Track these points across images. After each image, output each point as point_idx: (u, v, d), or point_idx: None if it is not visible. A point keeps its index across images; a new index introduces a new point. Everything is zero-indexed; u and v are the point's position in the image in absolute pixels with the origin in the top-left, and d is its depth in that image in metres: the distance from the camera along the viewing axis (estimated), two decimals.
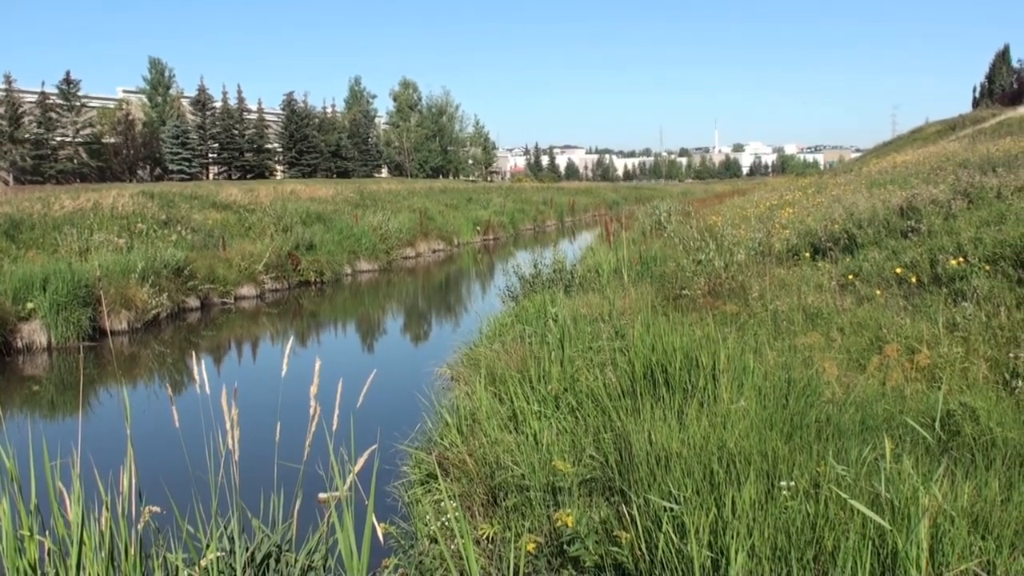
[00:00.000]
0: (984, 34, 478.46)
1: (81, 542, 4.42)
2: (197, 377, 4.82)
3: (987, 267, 10.61)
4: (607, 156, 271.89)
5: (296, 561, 4.98)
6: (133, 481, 4.62)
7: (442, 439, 8.47)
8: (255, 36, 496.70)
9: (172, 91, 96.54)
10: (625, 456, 6.40)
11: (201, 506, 4.98)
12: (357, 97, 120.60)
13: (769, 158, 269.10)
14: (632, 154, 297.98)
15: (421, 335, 22.28)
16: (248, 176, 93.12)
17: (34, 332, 17.88)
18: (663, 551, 4.88)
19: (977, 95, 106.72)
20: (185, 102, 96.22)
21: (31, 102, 79.54)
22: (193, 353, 5.41)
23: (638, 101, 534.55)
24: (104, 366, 17.09)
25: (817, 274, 13.28)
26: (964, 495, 5.00)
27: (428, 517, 6.82)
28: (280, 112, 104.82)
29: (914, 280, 11.39)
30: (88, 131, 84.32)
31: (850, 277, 12.48)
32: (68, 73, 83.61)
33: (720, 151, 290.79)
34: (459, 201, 57.05)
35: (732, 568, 4.49)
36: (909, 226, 13.78)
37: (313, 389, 4.74)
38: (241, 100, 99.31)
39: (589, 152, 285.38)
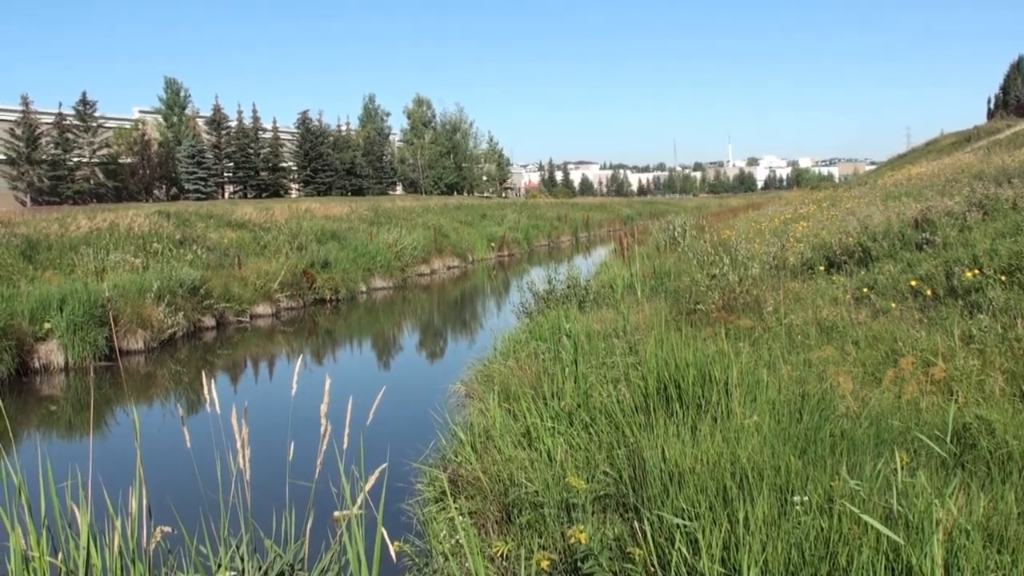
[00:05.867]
0: (998, 46, 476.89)
1: (90, 563, 4.42)
2: (208, 397, 4.83)
3: (1003, 279, 10.54)
4: (621, 171, 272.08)
5: None
6: (144, 501, 4.62)
7: (456, 456, 8.46)
8: (270, 55, 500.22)
9: (187, 111, 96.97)
10: (639, 472, 6.38)
11: (212, 526, 4.98)
12: (371, 115, 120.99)
13: (783, 172, 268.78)
14: (646, 169, 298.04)
15: (436, 352, 22.28)
16: (263, 195, 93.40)
17: (51, 352, 17.95)
18: (676, 567, 4.86)
19: (992, 107, 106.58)
20: (200, 121, 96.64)
21: (48, 123, 79.93)
22: (205, 373, 5.42)
23: (652, 116, 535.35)
24: (120, 386, 17.14)
25: (832, 287, 13.23)
26: (979, 509, 4.96)
27: (442, 535, 6.81)
28: (295, 130, 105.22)
29: (929, 293, 11.33)
30: (104, 151, 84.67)
31: (865, 290, 12.42)
32: (84, 94, 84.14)
33: (734, 165, 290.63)
34: (473, 218, 57.08)
35: None
36: (924, 238, 13.71)
37: (324, 407, 4.74)
38: (256, 119, 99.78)
39: (603, 167, 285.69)
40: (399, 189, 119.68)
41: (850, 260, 14.56)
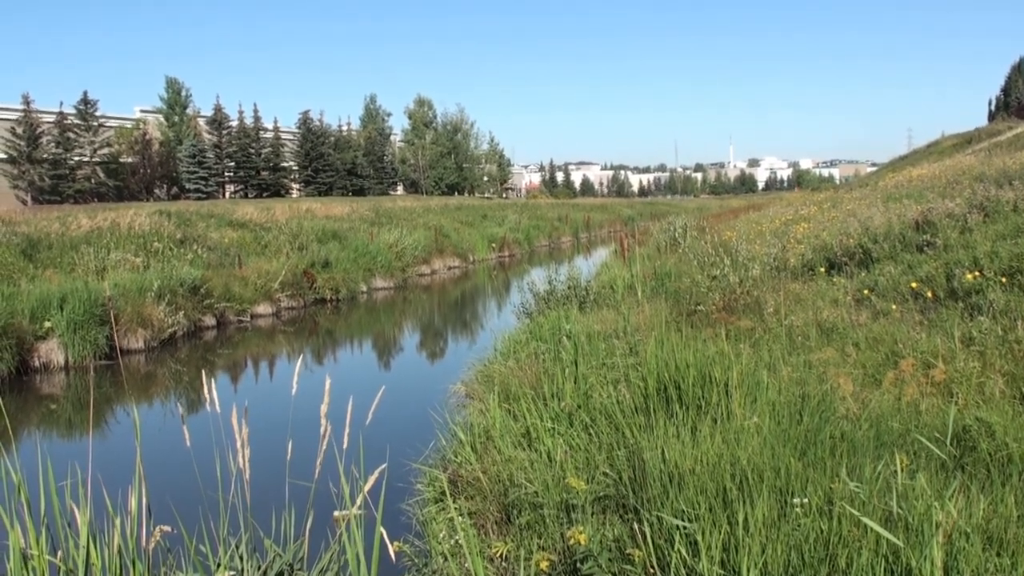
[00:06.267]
0: (999, 47, 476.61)
1: (89, 562, 4.42)
2: (208, 396, 4.83)
3: (1003, 280, 10.54)
4: (622, 172, 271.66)
5: None
6: (143, 501, 4.62)
7: (456, 456, 8.47)
8: (271, 55, 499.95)
9: (189, 110, 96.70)
10: (638, 473, 6.38)
11: (212, 525, 4.98)
12: (372, 115, 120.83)
13: (784, 173, 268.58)
14: (647, 170, 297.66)
15: (436, 352, 22.28)
16: (264, 194, 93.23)
17: (51, 351, 17.95)
18: (675, 569, 4.86)
19: (993, 108, 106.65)
20: (201, 121, 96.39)
21: (49, 122, 79.72)
22: (205, 372, 5.42)
23: (653, 117, 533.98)
24: (120, 385, 17.15)
25: (832, 289, 13.23)
26: (979, 511, 4.96)
27: (442, 535, 6.81)
28: (296, 130, 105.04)
29: (930, 294, 11.32)
30: (105, 151, 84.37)
31: (865, 292, 12.42)
32: (86, 93, 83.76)
33: (735, 166, 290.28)
34: (474, 218, 57.10)
35: None
36: (925, 240, 13.71)
37: (324, 407, 4.74)
38: (257, 119, 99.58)
39: (604, 168, 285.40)
40: (400, 189, 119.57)
41: (851, 262, 14.56)
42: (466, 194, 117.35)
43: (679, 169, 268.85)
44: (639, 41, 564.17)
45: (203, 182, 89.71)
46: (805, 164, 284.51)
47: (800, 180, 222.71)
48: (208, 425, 5.06)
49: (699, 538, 4.81)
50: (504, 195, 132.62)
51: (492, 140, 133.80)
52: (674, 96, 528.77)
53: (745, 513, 4.98)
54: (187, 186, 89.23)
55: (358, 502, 4.49)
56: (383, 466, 4.58)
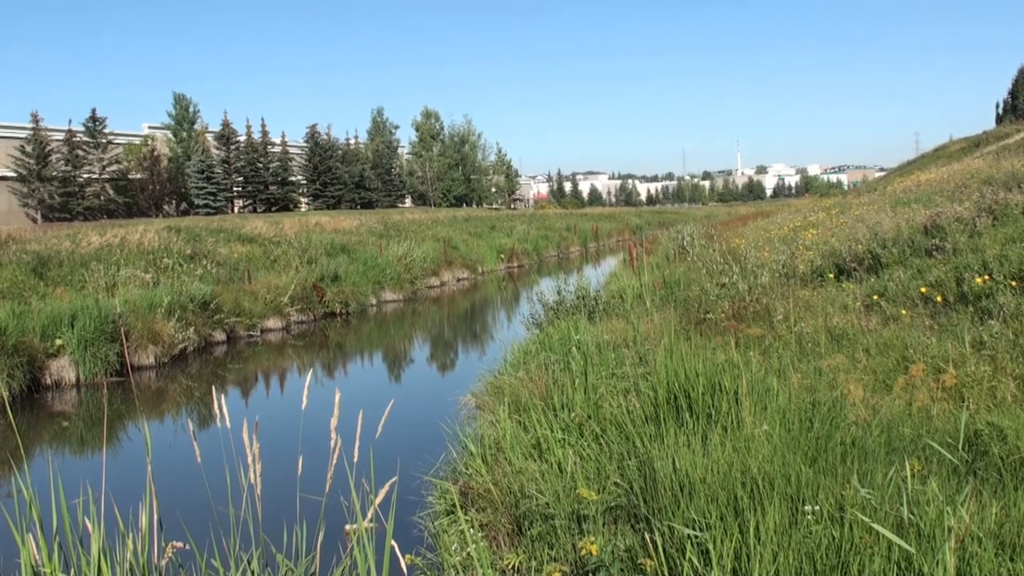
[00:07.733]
0: (1006, 50, 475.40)
1: None
2: (219, 412, 4.84)
3: (1013, 284, 10.51)
4: (630, 181, 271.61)
5: None
6: (154, 517, 4.63)
7: (466, 468, 8.46)
8: (278, 70, 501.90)
9: (196, 126, 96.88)
10: (649, 483, 6.37)
11: (224, 541, 4.99)
12: (380, 128, 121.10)
13: (792, 179, 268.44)
14: (655, 178, 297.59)
15: (447, 364, 22.27)
16: (273, 209, 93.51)
17: (63, 368, 17.99)
18: None
19: (1000, 111, 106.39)
20: (209, 137, 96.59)
21: (58, 140, 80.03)
22: (215, 388, 5.44)
23: (660, 126, 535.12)
24: (131, 401, 17.18)
25: (842, 295, 13.20)
26: (991, 516, 4.94)
27: (453, 547, 6.81)
28: (303, 144, 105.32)
29: (940, 299, 11.30)
30: (114, 167, 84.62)
31: (875, 297, 12.40)
32: (94, 111, 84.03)
33: (743, 173, 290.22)
34: (482, 229, 57.10)
35: None
36: (934, 244, 13.68)
37: (334, 421, 4.74)
38: (265, 133, 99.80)
39: (612, 177, 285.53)
40: (408, 202, 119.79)
41: (860, 267, 14.53)
42: (474, 205, 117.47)
43: (687, 177, 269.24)
44: (645, 50, 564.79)
45: (212, 197, 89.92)
46: (813, 170, 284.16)
47: (808, 186, 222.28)
48: (219, 440, 5.07)
49: (711, 547, 4.81)
50: (512, 206, 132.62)
51: (499, 151, 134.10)
52: (681, 104, 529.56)
53: (756, 521, 4.97)
54: (196, 201, 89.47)
55: (369, 515, 4.50)
56: (394, 479, 4.58)
